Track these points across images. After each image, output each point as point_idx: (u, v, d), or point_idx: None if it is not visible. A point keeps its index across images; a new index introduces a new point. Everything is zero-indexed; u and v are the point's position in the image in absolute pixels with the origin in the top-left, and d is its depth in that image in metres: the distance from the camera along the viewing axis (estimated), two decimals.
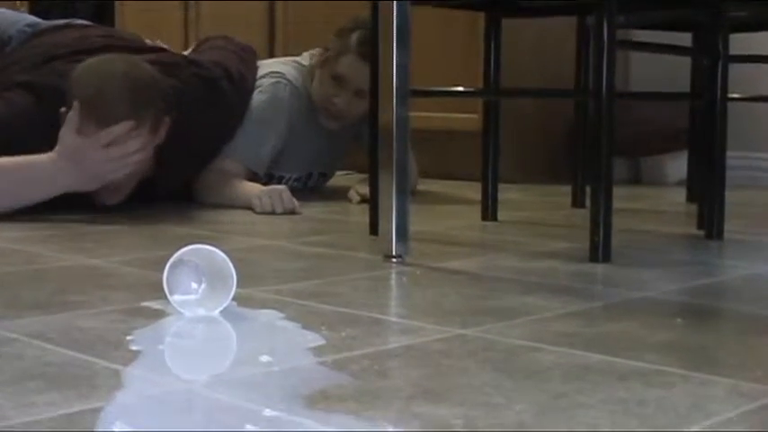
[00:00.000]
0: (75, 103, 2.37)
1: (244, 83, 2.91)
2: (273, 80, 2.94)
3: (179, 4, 4.51)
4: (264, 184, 2.82)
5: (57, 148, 2.37)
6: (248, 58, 3.00)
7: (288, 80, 2.95)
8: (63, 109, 2.42)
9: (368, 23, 2.87)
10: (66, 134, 2.37)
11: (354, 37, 2.87)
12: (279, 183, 2.94)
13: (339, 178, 3.34)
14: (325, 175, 3.17)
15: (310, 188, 3.08)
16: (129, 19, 4.71)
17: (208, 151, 2.81)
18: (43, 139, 2.42)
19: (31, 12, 5.01)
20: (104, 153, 2.36)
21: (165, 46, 3.02)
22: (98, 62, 2.46)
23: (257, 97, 2.90)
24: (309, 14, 4.01)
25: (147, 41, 3.01)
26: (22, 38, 2.81)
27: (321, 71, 2.93)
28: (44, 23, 2.93)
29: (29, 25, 2.88)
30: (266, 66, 3.04)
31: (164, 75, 2.64)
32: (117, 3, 4.76)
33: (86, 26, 2.96)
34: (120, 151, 2.37)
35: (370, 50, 2.82)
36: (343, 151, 3.20)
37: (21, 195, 2.36)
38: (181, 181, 2.77)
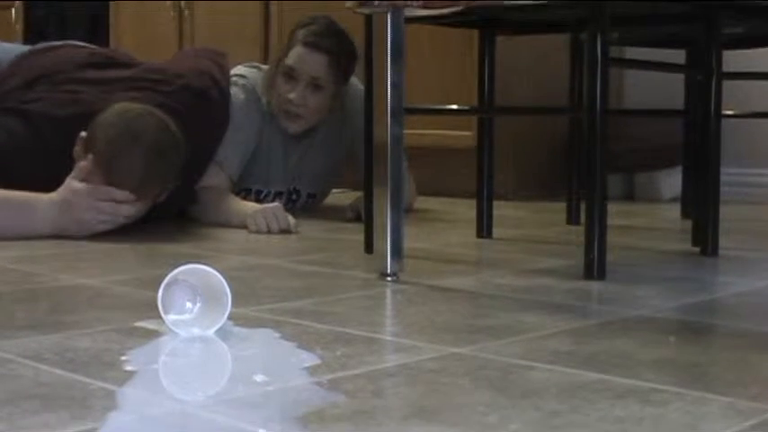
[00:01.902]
0: (90, 156, 2.38)
1: (226, 89, 2.91)
2: (237, 84, 2.96)
3: (173, 13, 4.51)
4: (244, 198, 2.84)
5: (59, 190, 2.37)
6: (222, 63, 3.00)
7: (251, 83, 2.97)
8: (83, 134, 2.43)
9: (313, 20, 2.91)
10: (72, 180, 2.39)
11: (301, 32, 2.91)
12: (257, 198, 2.94)
13: (334, 196, 3.34)
14: (315, 196, 3.15)
15: (300, 208, 3.07)
16: (123, 27, 4.71)
17: (203, 166, 2.81)
18: (35, 165, 2.44)
19: (27, 19, 5.04)
20: (96, 205, 2.36)
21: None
22: (132, 116, 2.44)
23: None
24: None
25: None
26: (12, 60, 2.81)
27: (275, 75, 2.93)
28: (37, 46, 2.94)
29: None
30: (233, 71, 3.05)
31: (153, 92, 2.64)
32: (111, 14, 4.75)
33: (76, 46, 2.95)
34: (111, 209, 2.38)
35: (319, 40, 2.88)
36: (335, 172, 3.20)
37: (13, 230, 2.35)
38: (181, 203, 2.76)
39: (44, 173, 2.43)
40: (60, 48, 2.88)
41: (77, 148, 2.43)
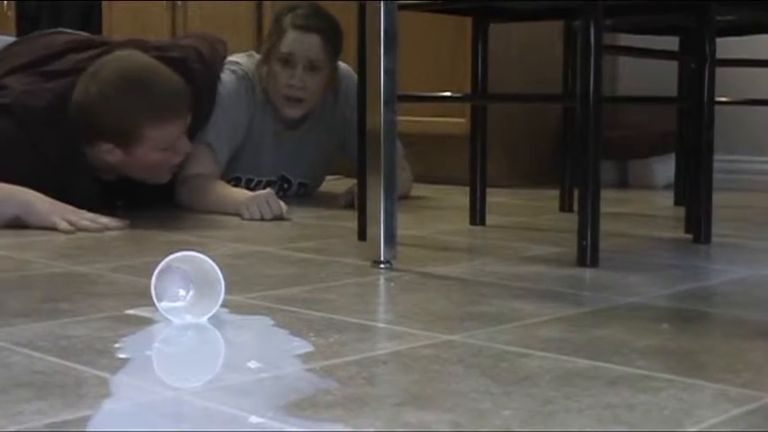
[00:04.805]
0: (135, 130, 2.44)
1: (213, 65, 2.91)
2: (230, 69, 2.96)
3: (166, 5, 4.50)
4: (235, 186, 2.84)
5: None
6: (218, 47, 2.99)
7: (244, 70, 2.97)
8: (107, 145, 2.45)
9: (296, 5, 2.93)
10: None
11: (288, 18, 2.93)
12: (248, 187, 2.93)
13: (328, 183, 3.34)
14: (306, 186, 3.15)
15: (292, 196, 3.06)
16: (116, 22, 4.70)
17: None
18: (27, 160, 2.43)
19: (20, 10, 5.02)
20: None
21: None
22: (118, 75, 2.47)
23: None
24: None
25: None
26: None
27: (269, 64, 2.94)
28: (26, 36, 2.93)
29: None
30: (228, 58, 3.05)
31: None
32: (104, 5, 4.75)
33: (63, 33, 2.93)
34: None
35: (310, 22, 2.90)
36: (327, 162, 3.20)
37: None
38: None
39: (36, 165, 2.43)
40: (47, 36, 2.87)
41: (106, 156, 2.47)
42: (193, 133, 2.80)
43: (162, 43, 2.90)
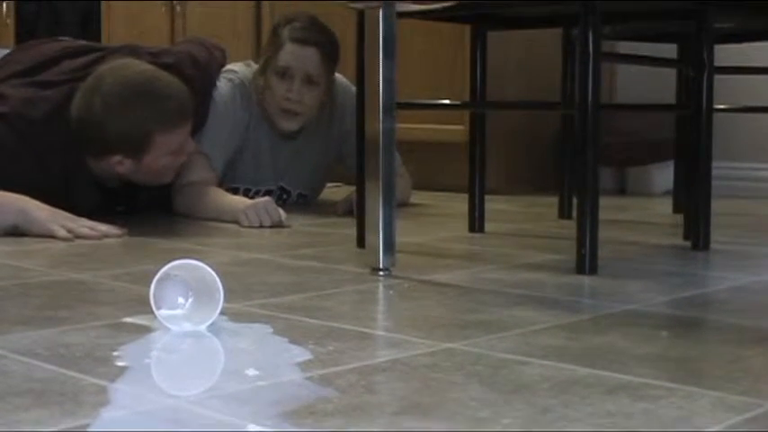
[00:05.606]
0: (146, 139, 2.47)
1: (208, 70, 2.90)
2: (226, 77, 2.95)
3: (165, 8, 4.50)
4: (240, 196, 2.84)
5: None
6: (216, 54, 2.99)
7: (240, 78, 2.96)
8: (117, 157, 2.45)
9: (294, 17, 2.93)
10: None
11: (286, 30, 2.92)
12: (246, 196, 2.92)
13: (327, 190, 3.34)
14: (306, 196, 3.14)
15: (291, 204, 3.05)
16: (114, 25, 4.70)
17: None
18: (26, 169, 2.43)
19: (18, 16, 5.02)
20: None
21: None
22: (119, 86, 2.48)
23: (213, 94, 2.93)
24: None
25: None
26: None
27: (266, 76, 2.93)
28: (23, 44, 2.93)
29: None
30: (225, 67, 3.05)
31: None
32: (103, 8, 4.74)
33: (53, 41, 2.92)
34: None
35: (308, 35, 2.91)
36: (325, 172, 3.20)
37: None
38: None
39: (34, 173, 2.43)
40: (43, 44, 2.87)
41: (115, 168, 2.49)
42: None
43: (156, 49, 2.90)
